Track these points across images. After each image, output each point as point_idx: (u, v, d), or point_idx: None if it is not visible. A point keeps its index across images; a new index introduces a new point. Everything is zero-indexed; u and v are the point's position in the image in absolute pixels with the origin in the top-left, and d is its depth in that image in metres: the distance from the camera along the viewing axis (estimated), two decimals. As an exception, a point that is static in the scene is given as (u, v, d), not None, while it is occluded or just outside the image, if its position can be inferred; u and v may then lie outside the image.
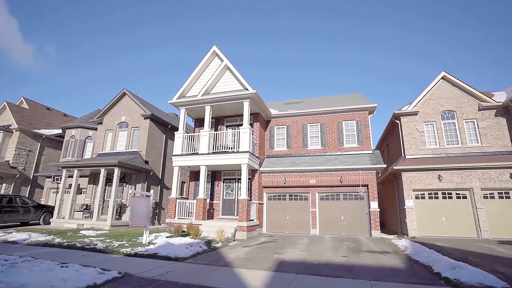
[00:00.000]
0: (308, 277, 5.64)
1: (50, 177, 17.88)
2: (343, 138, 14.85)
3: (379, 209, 12.88)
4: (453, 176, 12.87)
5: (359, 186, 13.24)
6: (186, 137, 14.23)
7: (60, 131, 20.34)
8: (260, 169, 14.41)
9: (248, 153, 12.70)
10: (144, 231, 8.80)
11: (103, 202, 15.18)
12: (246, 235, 11.74)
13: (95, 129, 19.63)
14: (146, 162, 15.71)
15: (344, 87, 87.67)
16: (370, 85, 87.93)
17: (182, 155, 13.74)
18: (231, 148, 13.61)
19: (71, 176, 14.84)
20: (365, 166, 13.21)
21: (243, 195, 12.37)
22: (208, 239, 10.19)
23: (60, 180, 15.25)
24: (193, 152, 13.86)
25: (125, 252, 7.55)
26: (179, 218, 13.10)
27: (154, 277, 5.31)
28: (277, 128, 16.13)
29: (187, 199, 15.21)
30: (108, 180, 14.66)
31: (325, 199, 14.10)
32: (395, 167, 13.35)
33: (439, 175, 12.98)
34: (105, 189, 15.46)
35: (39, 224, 14.69)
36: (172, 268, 6.10)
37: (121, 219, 14.64)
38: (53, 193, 18.90)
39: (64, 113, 25.85)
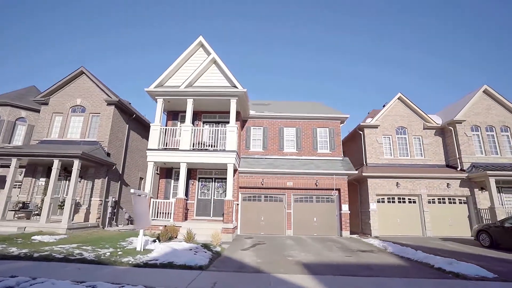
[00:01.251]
0: (351, 279, 5.85)
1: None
2: (317, 144, 15.74)
3: (349, 212, 14.09)
4: (407, 183, 15.00)
5: (333, 189, 14.24)
6: (164, 130, 12.99)
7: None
8: (239, 169, 14.14)
9: (235, 153, 12.35)
10: (139, 236, 7.67)
11: (43, 200, 12.52)
12: (232, 237, 11.37)
13: (31, 109, 16.21)
14: (108, 154, 13.68)
15: (301, 93, 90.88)
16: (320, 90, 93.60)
17: (158, 149, 12.47)
18: (212, 146, 13.01)
19: (4, 166, 11.87)
20: (338, 172, 14.28)
21: (229, 195, 11.96)
22: (202, 242, 9.51)
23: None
24: (170, 147, 12.73)
25: (130, 262, 6.47)
26: (153, 219, 11.83)
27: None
28: (253, 128, 16.07)
29: (156, 198, 13.85)
30: (60, 173, 12.24)
31: (300, 201, 14.69)
32: (364, 174, 14.81)
33: (397, 182, 14.97)
34: (48, 184, 12.79)
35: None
36: (211, 279, 5.54)
37: (73, 220, 12.39)
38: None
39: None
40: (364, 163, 16.34)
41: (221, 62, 13.39)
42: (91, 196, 12.99)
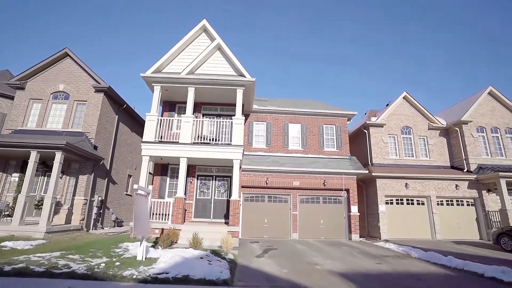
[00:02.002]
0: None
1: None
2: (324, 142, 14.85)
3: (359, 213, 13.27)
4: (416, 184, 14.42)
5: (343, 190, 13.38)
6: (161, 121, 11.60)
7: None
8: (243, 167, 12.94)
9: (242, 148, 11.17)
10: (141, 243, 6.31)
11: (16, 198, 10.72)
12: (238, 242, 10.15)
13: (3, 96, 14.20)
14: (95, 147, 12.04)
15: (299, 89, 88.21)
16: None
17: (155, 142, 11.06)
18: (214, 140, 11.78)
19: (-31, 159, 10.00)
20: (348, 171, 13.44)
21: (235, 195, 10.75)
22: (209, 249, 8.24)
23: None
24: (168, 140, 11.35)
25: (134, 276, 5.14)
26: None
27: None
28: (256, 123, 14.94)
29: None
30: (38, 168, 10.51)
31: (306, 202, 13.71)
32: (373, 174, 14.07)
33: (406, 183, 14.35)
34: (22, 181, 10.97)
35: None
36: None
37: (51, 222, 10.69)
38: None
39: None
40: (369, 163, 15.63)
41: (227, 48, 12.19)
42: (74, 195, 11.31)
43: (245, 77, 11.77)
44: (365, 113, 20.63)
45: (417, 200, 14.53)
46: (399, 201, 14.49)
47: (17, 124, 11.98)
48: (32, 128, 11.98)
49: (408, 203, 14.49)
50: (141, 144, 10.92)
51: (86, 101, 12.41)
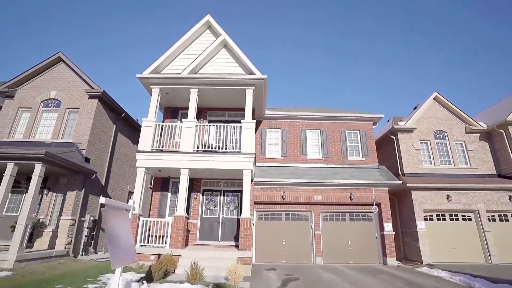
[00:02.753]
0: None
1: None
2: (347, 149, 12.99)
3: (393, 232, 11.11)
4: (460, 196, 12.18)
5: (373, 204, 11.32)
6: (160, 127, 10.13)
7: None
8: (255, 179, 11.18)
9: (253, 156, 9.47)
10: (116, 275, 4.56)
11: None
12: (251, 270, 8.21)
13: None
14: (87, 160, 10.61)
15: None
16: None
17: (152, 152, 9.53)
18: (221, 149, 10.18)
19: None
20: (378, 182, 11.44)
21: (246, 212, 8.93)
22: (213, 283, 6.39)
23: None
24: (168, 149, 9.80)
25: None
26: (141, 246, 8.68)
27: None
28: (269, 131, 13.29)
29: (148, 216, 10.69)
30: (15, 183, 9.09)
31: (330, 219, 11.69)
32: (408, 184, 11.96)
33: (448, 195, 12.14)
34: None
35: None
36: None
37: (32, 247, 9.13)
38: None
39: None
40: (400, 172, 13.51)
41: (234, 44, 10.82)
42: (60, 214, 9.78)
43: (254, 74, 10.27)
44: (388, 121, 18.66)
45: (462, 216, 12.21)
46: (441, 217, 12.22)
47: (2, 136, 10.76)
48: (19, 139, 10.74)
49: (451, 219, 12.19)
50: (136, 153, 9.41)
51: (78, 108, 11.16)
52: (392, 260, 10.71)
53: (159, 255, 8.24)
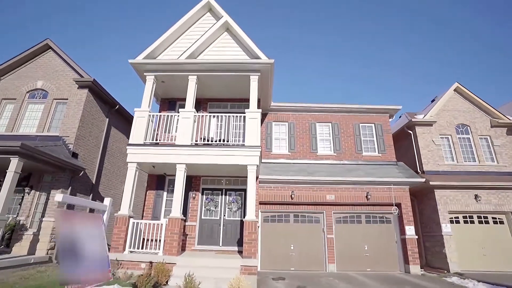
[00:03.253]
0: None
1: None
2: (361, 144, 11.82)
3: (416, 236, 9.89)
4: (489, 196, 10.92)
5: (392, 205, 10.13)
6: (154, 118, 9.08)
7: None
8: (260, 177, 10.06)
9: (259, 150, 8.36)
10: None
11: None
12: (256, 280, 7.08)
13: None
14: (75, 155, 9.60)
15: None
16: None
17: (145, 145, 8.47)
18: (223, 141, 9.08)
19: None
20: (398, 179, 10.26)
21: (250, 214, 7.80)
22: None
23: None
24: (163, 142, 8.75)
25: None
26: (131, 252, 7.61)
27: None
28: (275, 124, 12.19)
29: (141, 218, 9.64)
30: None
31: (343, 221, 10.52)
32: (431, 183, 10.74)
33: (476, 194, 10.89)
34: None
35: None
36: None
37: (10, 252, 8.12)
38: None
39: None
40: (419, 170, 12.27)
41: (237, 26, 9.74)
42: (43, 215, 8.75)
43: (260, 59, 9.17)
44: (399, 116, 17.31)
45: (492, 218, 10.95)
46: (468, 219, 10.96)
47: (-17, 129, 9.84)
48: (1, 133, 9.78)
49: (480, 222, 10.93)
50: (127, 147, 8.36)
51: (67, 99, 10.17)
52: (415, 268, 9.50)
53: (151, 262, 7.15)
